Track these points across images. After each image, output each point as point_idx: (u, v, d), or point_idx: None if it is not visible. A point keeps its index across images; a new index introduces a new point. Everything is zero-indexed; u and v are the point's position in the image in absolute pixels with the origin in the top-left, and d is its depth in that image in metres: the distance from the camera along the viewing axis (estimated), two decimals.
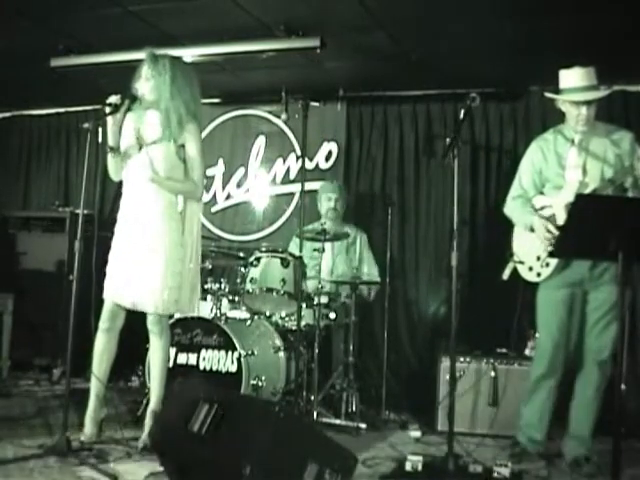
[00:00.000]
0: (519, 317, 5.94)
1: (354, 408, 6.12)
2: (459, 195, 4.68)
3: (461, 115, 4.84)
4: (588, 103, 4.92)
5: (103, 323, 4.95)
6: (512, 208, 5.32)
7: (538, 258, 5.02)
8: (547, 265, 4.98)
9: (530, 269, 5.09)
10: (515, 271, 5.22)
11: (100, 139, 4.85)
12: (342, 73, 7.19)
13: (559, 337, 5.05)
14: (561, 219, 4.85)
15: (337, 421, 5.93)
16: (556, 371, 5.11)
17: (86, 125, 4.71)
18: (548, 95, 5.14)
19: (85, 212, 4.78)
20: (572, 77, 4.97)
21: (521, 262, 5.16)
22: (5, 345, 7.34)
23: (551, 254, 4.74)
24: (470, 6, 5.45)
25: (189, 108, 4.94)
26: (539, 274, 5.04)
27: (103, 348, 4.96)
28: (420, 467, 4.53)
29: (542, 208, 5.06)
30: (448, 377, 5.65)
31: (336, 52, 6.44)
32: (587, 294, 5.01)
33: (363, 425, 5.85)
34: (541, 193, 5.17)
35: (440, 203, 7.37)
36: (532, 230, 5.03)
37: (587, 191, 4.82)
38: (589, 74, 4.93)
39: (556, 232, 4.80)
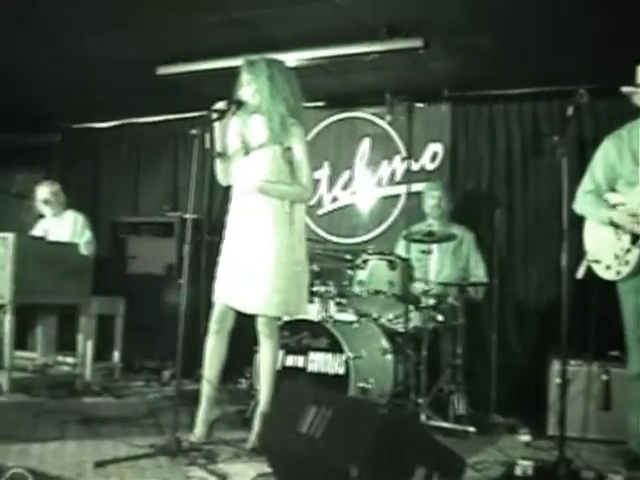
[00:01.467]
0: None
1: (462, 411, 6.09)
2: (568, 194, 4.60)
3: (569, 112, 4.74)
4: None
5: (213, 325, 5.01)
6: (585, 203, 5.12)
7: (616, 256, 4.86)
8: (627, 263, 4.81)
9: (608, 267, 4.92)
10: (590, 269, 5.07)
11: (207, 145, 4.92)
12: (446, 73, 7.15)
13: None
14: None
15: (445, 424, 5.87)
16: None
17: (193, 131, 4.77)
18: (625, 89, 4.98)
19: (194, 216, 4.85)
20: None
21: (597, 261, 5.00)
22: (117, 347, 7.51)
23: None
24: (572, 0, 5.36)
25: (290, 106, 4.96)
26: (619, 272, 4.87)
27: (213, 350, 5.02)
28: (530, 472, 4.45)
29: (615, 206, 4.92)
30: (559, 380, 5.56)
31: (439, 52, 6.42)
32: None
33: (471, 428, 5.79)
34: (613, 190, 5.02)
35: (548, 202, 7.22)
36: (612, 224, 4.89)
37: None
38: None
39: None
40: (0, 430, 5.00)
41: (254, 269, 4.85)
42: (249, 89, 4.97)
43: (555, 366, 5.94)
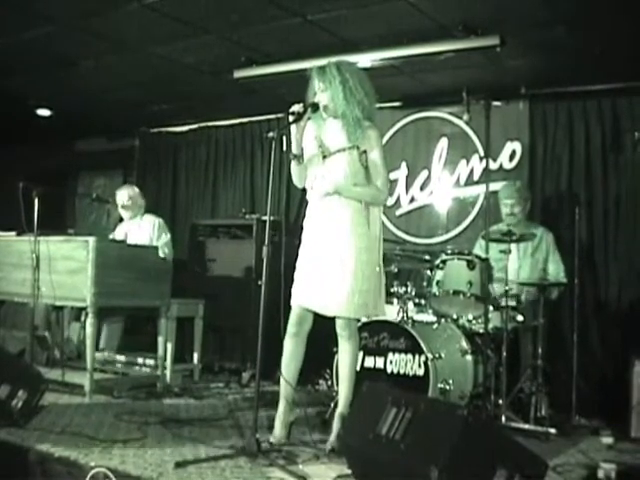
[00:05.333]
0: None
1: (543, 413, 6.01)
2: None
3: None
4: None
5: (291, 327, 5.03)
6: None
7: None
8: None
9: None
10: None
11: (284, 147, 4.93)
12: (523, 71, 7.05)
13: None
14: None
15: (526, 426, 5.81)
16: None
17: (270, 134, 4.78)
18: None
19: (272, 219, 4.86)
20: None
21: None
22: (197, 349, 7.58)
23: None
24: None
25: (364, 108, 4.94)
26: None
27: (291, 352, 5.05)
28: (613, 475, 4.38)
29: None
30: None
31: (516, 49, 6.33)
32: None
33: (552, 430, 5.72)
34: None
35: (630, 200, 7.09)
36: None
37: None
38: None
39: None
40: (83, 431, 5.08)
41: (333, 272, 4.86)
42: (323, 96, 4.95)
43: (638, 367, 5.85)
